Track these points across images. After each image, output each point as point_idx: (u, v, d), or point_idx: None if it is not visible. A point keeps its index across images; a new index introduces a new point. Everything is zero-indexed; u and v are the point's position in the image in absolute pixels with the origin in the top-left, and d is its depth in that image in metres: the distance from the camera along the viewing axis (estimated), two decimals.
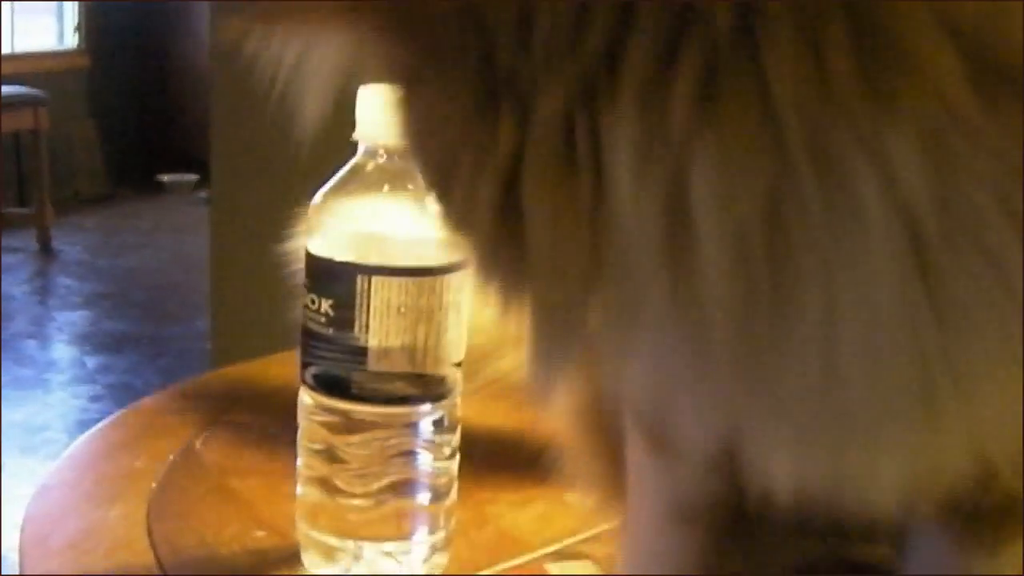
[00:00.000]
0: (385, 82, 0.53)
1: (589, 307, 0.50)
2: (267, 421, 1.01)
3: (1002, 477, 0.53)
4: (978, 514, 0.61)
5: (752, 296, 0.47)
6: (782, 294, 0.47)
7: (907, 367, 0.48)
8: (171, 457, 0.95)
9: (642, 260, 0.47)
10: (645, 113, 0.45)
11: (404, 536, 0.79)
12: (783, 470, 0.53)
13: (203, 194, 5.42)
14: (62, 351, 4.36)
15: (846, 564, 0.70)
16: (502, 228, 0.49)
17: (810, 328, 0.47)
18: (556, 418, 0.79)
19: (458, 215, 0.51)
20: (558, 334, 0.51)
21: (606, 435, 0.73)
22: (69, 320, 4.66)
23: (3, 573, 0.73)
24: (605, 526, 0.86)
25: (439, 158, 0.50)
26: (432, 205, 0.54)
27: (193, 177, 6.27)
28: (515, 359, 0.93)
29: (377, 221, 0.77)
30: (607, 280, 0.48)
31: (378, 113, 0.75)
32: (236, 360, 1.20)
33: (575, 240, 0.48)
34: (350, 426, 0.77)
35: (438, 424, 0.78)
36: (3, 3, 5.91)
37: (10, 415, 3.55)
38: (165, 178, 6.53)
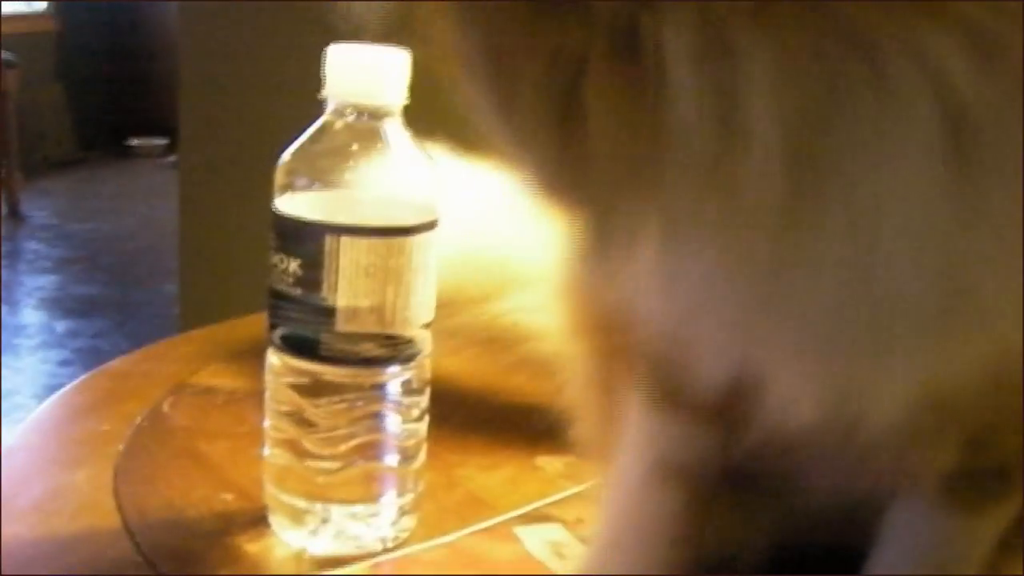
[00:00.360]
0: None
1: (645, 214, 0.50)
2: (235, 383, 1.01)
3: (1002, 393, 0.54)
4: (967, 476, 0.61)
5: (795, 201, 0.48)
6: (824, 198, 0.48)
7: (936, 271, 0.49)
8: (138, 420, 0.95)
9: (696, 165, 0.48)
10: (705, 16, 0.46)
11: (372, 498, 0.79)
12: (797, 388, 0.54)
13: (172, 158, 5.39)
14: (31, 316, 4.34)
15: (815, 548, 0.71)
16: (567, 132, 0.49)
17: (848, 230, 0.48)
18: (567, 379, 0.79)
19: (521, 125, 0.50)
20: (612, 237, 0.52)
21: (614, 398, 0.73)
22: (37, 285, 4.64)
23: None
24: (574, 489, 0.86)
25: (502, 72, 0.50)
26: (483, 130, 0.53)
27: (162, 141, 6.24)
28: (509, 304, 0.93)
29: (346, 180, 0.76)
30: (662, 185, 0.49)
31: (347, 71, 0.75)
32: (204, 325, 1.19)
33: (636, 141, 0.48)
34: (318, 388, 0.76)
35: (406, 386, 0.78)
36: None
37: None
38: (134, 142, 6.49)
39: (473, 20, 0.50)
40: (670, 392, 0.65)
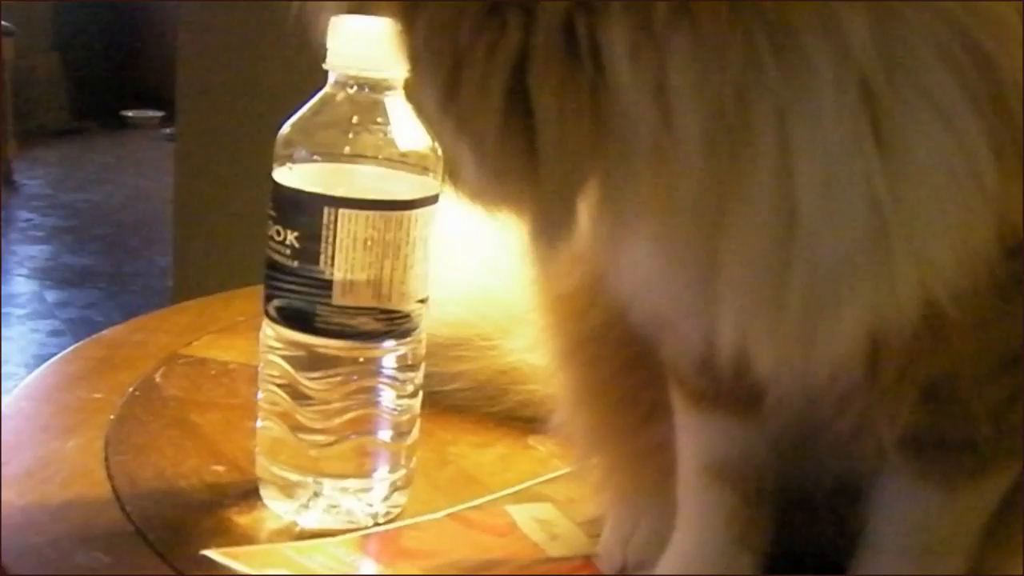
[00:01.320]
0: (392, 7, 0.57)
1: (589, 187, 0.55)
2: (228, 355, 1.01)
3: (948, 326, 0.57)
4: (939, 450, 0.63)
5: (726, 172, 0.53)
6: (752, 164, 0.52)
7: (862, 213, 0.53)
8: (131, 390, 0.94)
9: (635, 142, 0.52)
10: (634, 14, 0.51)
11: (364, 473, 0.78)
12: (754, 342, 0.57)
13: (167, 130, 5.38)
14: (22, 285, 4.32)
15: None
16: (511, 118, 0.53)
17: (770, 187, 0.53)
18: (548, 363, 0.79)
19: (467, 113, 0.54)
20: (561, 208, 0.55)
21: (595, 379, 0.75)
22: (29, 254, 4.63)
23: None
24: (566, 469, 0.86)
25: (449, 64, 0.54)
26: (434, 116, 0.57)
27: (158, 113, 6.22)
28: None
29: (346, 153, 0.76)
30: (605, 160, 0.54)
31: (349, 43, 0.74)
32: (197, 297, 1.19)
33: (579, 123, 0.53)
34: (312, 361, 0.76)
35: (402, 361, 0.78)
36: None
37: None
38: (130, 113, 6.47)
39: (424, 18, 0.54)
40: (703, 391, 0.67)
